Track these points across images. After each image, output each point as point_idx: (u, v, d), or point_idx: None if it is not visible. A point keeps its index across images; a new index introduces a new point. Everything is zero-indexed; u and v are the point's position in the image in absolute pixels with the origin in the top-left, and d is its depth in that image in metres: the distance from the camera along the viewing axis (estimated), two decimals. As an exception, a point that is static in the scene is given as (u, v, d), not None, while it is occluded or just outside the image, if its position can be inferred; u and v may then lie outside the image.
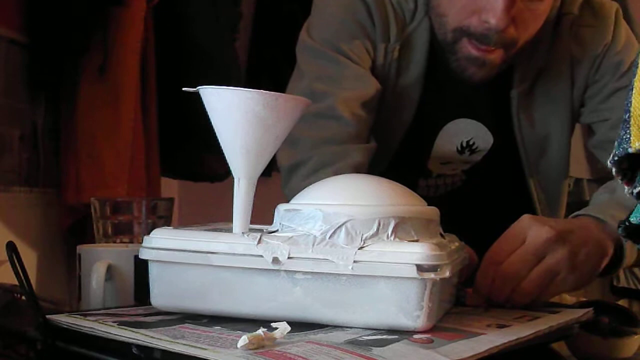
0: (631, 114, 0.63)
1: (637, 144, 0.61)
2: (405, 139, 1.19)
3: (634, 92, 0.63)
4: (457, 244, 0.82)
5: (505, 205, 1.22)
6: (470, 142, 1.21)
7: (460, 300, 0.88)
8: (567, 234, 0.90)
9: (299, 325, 0.70)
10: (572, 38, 1.17)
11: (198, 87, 0.76)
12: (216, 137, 0.78)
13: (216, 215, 0.99)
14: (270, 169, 1.14)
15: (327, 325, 0.72)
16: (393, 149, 1.19)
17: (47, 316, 0.72)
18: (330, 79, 1.12)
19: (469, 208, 1.24)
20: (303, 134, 1.08)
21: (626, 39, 1.18)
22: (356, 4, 1.16)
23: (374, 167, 1.13)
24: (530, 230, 0.90)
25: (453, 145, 1.21)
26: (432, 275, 0.69)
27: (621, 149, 0.62)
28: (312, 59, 1.16)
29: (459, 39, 1.09)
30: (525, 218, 0.91)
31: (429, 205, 0.79)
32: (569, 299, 1.09)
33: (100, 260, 0.90)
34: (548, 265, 0.89)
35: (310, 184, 0.81)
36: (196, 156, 2.08)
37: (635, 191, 0.63)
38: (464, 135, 1.21)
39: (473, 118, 1.20)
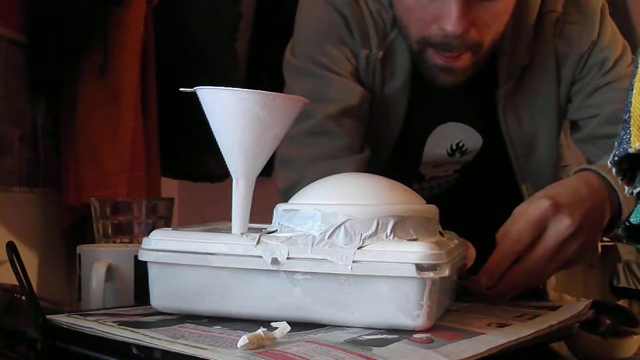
0: (631, 114, 0.63)
1: (637, 144, 0.61)
2: (395, 146, 1.19)
3: (634, 92, 0.63)
4: (456, 241, 0.82)
5: (498, 199, 1.22)
6: (460, 145, 1.21)
7: (461, 289, 0.88)
8: (585, 222, 0.92)
9: (299, 325, 0.70)
10: (558, 35, 1.17)
11: (195, 88, 0.76)
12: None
13: (216, 215, 0.99)
14: (270, 169, 1.14)
15: (327, 325, 0.72)
16: (384, 157, 1.19)
17: (47, 316, 0.72)
18: (315, 94, 1.12)
19: (463, 205, 1.24)
20: (294, 155, 1.09)
21: (611, 35, 1.18)
22: (332, 16, 1.16)
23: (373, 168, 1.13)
24: (552, 223, 0.91)
25: (443, 149, 1.22)
26: (431, 274, 0.69)
27: (621, 149, 0.62)
28: (296, 78, 1.17)
29: (424, 49, 1.10)
30: (545, 203, 0.91)
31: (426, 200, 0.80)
32: (568, 299, 1.09)
33: (100, 260, 0.90)
34: (565, 257, 0.92)
35: None
36: (196, 156, 2.08)
37: (635, 191, 0.63)
38: (453, 138, 1.21)
39: (460, 121, 1.21)
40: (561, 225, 0.91)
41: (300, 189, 1.06)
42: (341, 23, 1.16)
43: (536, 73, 1.18)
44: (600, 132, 1.14)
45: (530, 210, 0.92)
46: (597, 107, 1.16)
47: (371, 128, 1.17)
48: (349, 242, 0.71)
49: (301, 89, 1.14)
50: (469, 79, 1.14)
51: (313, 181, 1.06)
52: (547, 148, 1.20)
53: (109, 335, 0.68)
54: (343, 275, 0.70)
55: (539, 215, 0.91)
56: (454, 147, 1.21)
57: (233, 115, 0.75)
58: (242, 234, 0.76)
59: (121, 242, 1.06)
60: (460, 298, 0.88)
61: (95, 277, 0.88)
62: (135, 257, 0.86)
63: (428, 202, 0.80)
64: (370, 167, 1.15)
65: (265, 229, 0.79)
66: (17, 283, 0.74)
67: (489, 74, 1.16)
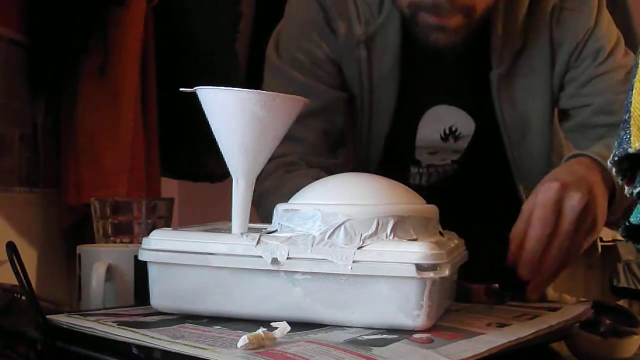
0: (631, 114, 0.63)
1: (637, 144, 0.61)
2: (389, 132, 1.21)
3: (634, 92, 0.63)
4: (456, 241, 0.82)
5: (496, 198, 1.23)
6: (453, 129, 1.23)
7: (461, 296, 0.88)
8: (592, 194, 0.95)
9: (299, 325, 0.70)
10: (554, 21, 1.18)
11: (195, 88, 0.76)
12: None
13: (216, 215, 1.00)
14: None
15: (327, 325, 0.72)
16: (381, 144, 1.21)
17: (47, 316, 0.72)
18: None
19: (461, 197, 1.25)
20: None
21: (608, 24, 1.20)
22: (313, 11, 1.19)
23: (367, 164, 1.18)
24: (566, 201, 0.94)
25: (436, 132, 1.23)
26: (431, 274, 0.69)
27: (621, 149, 0.62)
28: (269, 74, 1.22)
29: (416, 12, 1.12)
30: (555, 186, 0.94)
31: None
32: (568, 298, 1.09)
33: (100, 260, 0.90)
34: (585, 229, 0.96)
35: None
36: (196, 156, 2.08)
37: (635, 191, 0.63)
38: (445, 122, 1.23)
39: (453, 104, 1.22)
40: (573, 201, 0.94)
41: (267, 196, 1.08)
42: (321, 18, 1.18)
43: (530, 56, 1.19)
44: (593, 122, 1.16)
45: (542, 196, 0.95)
46: (590, 96, 1.17)
47: (364, 116, 1.19)
48: (349, 242, 0.71)
49: (271, 86, 1.18)
50: (461, 58, 1.16)
51: (271, 187, 1.08)
52: (540, 134, 1.21)
53: (109, 335, 0.68)
54: (343, 275, 0.70)
55: (553, 197, 0.94)
56: (447, 131, 1.23)
57: (233, 115, 0.75)
58: (242, 234, 0.76)
59: (121, 242, 1.06)
60: (459, 299, 0.88)
61: (95, 277, 0.88)
62: (135, 257, 0.86)
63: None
64: (367, 154, 1.19)
65: (265, 229, 0.79)
66: (17, 283, 0.74)
67: (482, 56, 1.18)
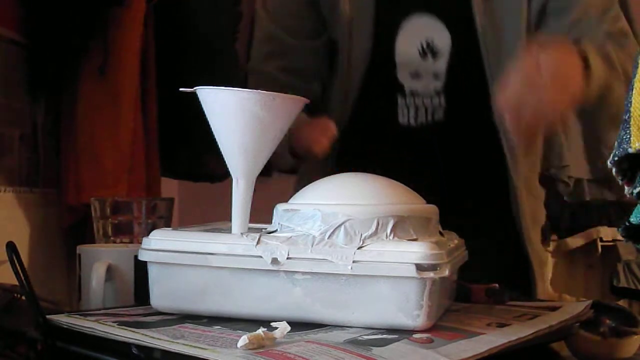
0: (631, 114, 0.63)
1: (637, 144, 0.61)
2: (371, 52, 1.24)
3: (634, 92, 0.63)
4: (456, 241, 0.82)
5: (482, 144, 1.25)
6: (430, 44, 1.25)
7: (461, 296, 0.88)
8: (568, 55, 1.03)
9: (299, 325, 0.71)
10: None
11: (195, 88, 0.76)
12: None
13: (216, 215, 1.00)
14: (269, 169, 1.14)
15: (327, 325, 0.72)
16: (363, 67, 1.24)
17: (47, 316, 0.72)
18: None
19: (450, 147, 1.25)
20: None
21: None
22: None
23: (350, 90, 1.25)
24: (542, 59, 0.99)
25: (414, 46, 1.25)
26: (431, 274, 0.69)
27: (621, 149, 0.62)
28: (255, 23, 1.36)
29: None
30: (534, 47, 1.02)
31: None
32: (569, 299, 1.09)
33: (100, 260, 0.90)
34: (562, 90, 1.01)
35: None
36: (196, 156, 2.08)
37: (635, 191, 0.63)
38: (422, 34, 1.25)
39: (429, 11, 1.25)
40: (550, 57, 0.99)
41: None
42: None
43: None
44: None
45: (524, 55, 1.03)
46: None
47: (343, 45, 1.25)
48: (349, 242, 0.71)
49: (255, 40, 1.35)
50: None
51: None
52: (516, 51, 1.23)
53: (109, 335, 0.68)
54: (343, 275, 0.70)
55: (533, 55, 1.00)
56: (424, 45, 1.24)
57: (233, 115, 0.75)
58: (242, 234, 0.76)
59: (121, 242, 1.06)
60: (459, 299, 0.88)
61: (95, 277, 0.88)
62: (135, 257, 0.86)
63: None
64: (350, 80, 1.25)
65: (265, 229, 0.79)
66: (17, 283, 0.74)
67: None
